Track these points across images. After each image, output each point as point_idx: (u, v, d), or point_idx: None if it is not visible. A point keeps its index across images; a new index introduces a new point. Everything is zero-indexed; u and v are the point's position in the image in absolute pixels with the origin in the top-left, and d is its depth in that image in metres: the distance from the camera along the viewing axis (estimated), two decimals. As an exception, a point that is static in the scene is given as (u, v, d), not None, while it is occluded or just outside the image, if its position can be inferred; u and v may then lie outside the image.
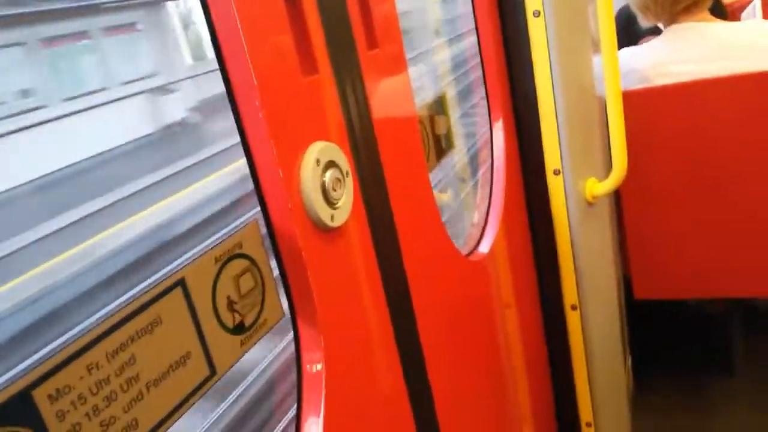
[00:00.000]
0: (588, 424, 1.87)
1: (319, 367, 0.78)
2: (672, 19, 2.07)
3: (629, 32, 2.66)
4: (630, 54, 2.11)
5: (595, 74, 1.69)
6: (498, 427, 1.49)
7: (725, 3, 2.69)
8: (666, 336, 2.62)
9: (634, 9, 2.19)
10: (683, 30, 2.04)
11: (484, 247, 1.44)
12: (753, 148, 1.87)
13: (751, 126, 1.85)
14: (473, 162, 1.85)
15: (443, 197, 1.81)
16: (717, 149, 1.90)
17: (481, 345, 1.38)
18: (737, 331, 2.30)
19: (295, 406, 0.78)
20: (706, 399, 2.25)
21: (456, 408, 1.17)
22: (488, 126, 1.61)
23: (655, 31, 2.23)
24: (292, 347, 0.82)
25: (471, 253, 1.42)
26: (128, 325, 0.60)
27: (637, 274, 2.08)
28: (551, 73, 1.56)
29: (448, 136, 1.37)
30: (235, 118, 0.73)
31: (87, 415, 0.57)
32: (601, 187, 1.65)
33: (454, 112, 1.63)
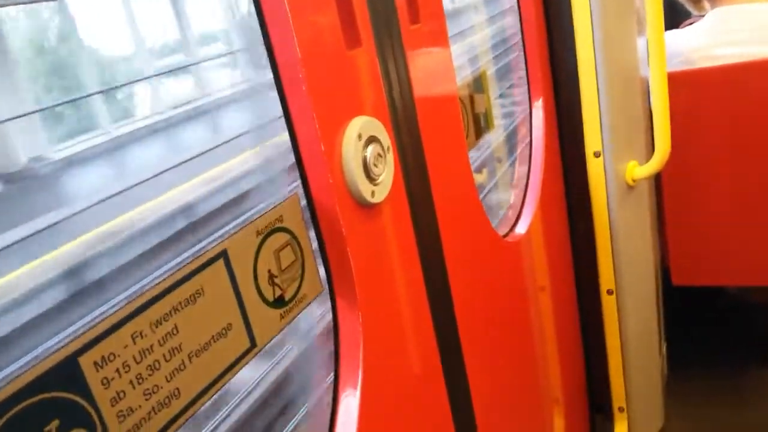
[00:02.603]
0: (620, 409, 1.85)
1: (356, 341, 0.78)
2: (717, 1, 2.01)
3: (671, 15, 2.59)
4: (673, 37, 2.05)
5: (639, 55, 1.65)
6: (530, 408, 1.48)
7: None
8: (703, 324, 2.57)
9: None
10: (727, 12, 1.97)
11: (521, 228, 1.42)
12: None
13: None
14: (510, 142, 1.83)
15: (478, 177, 1.79)
16: (761, 134, 1.85)
17: (516, 326, 1.37)
18: None
19: (333, 376, 0.79)
20: (743, 388, 2.21)
21: (489, 387, 1.17)
22: (527, 105, 1.59)
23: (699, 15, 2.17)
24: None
25: (508, 234, 1.40)
26: (172, 294, 0.61)
27: (676, 260, 2.04)
28: (594, 53, 1.52)
29: (488, 115, 1.35)
30: (278, 91, 0.73)
31: (131, 382, 0.57)
32: (642, 170, 1.62)
33: (493, 91, 1.60)
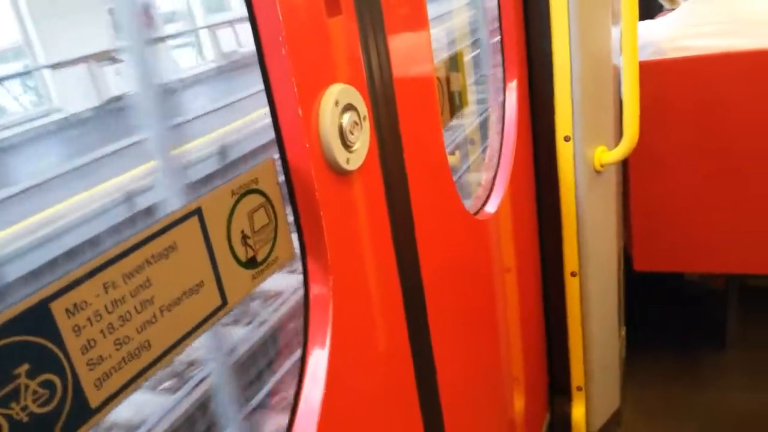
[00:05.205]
0: (579, 388, 1.90)
1: (326, 304, 0.79)
2: None
3: (646, 7, 2.64)
4: (645, 27, 2.09)
5: (613, 45, 1.68)
6: (491, 384, 1.51)
7: None
8: (662, 309, 2.64)
9: None
10: (700, 4, 2.02)
11: (491, 207, 1.44)
12: (763, 125, 1.86)
13: (761, 103, 1.84)
14: (483, 126, 1.85)
15: (450, 159, 1.81)
16: (727, 125, 1.90)
17: (481, 302, 1.40)
18: (733, 307, 2.33)
19: (301, 344, 0.80)
20: (698, 371, 2.28)
21: (452, 357, 1.19)
22: (501, 90, 1.61)
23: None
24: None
25: (477, 212, 1.43)
26: (145, 247, 0.61)
27: (639, 246, 2.10)
28: (569, 39, 1.54)
29: (462, 93, 1.37)
30: (258, 54, 0.73)
31: (102, 332, 0.58)
32: (610, 155, 1.65)
33: (469, 76, 1.62)
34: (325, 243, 0.78)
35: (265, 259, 0.77)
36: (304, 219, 0.79)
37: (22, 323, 0.51)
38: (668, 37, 1.99)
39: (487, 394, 1.48)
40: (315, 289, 0.79)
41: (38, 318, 0.53)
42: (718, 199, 1.96)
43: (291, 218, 0.81)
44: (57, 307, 0.54)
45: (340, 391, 0.81)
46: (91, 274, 0.57)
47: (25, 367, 0.51)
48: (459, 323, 1.25)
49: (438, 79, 1.30)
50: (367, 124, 0.84)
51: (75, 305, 0.55)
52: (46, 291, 0.53)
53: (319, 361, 0.77)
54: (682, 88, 1.91)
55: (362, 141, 0.83)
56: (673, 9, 2.14)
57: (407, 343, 0.98)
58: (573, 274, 1.77)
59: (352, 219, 0.85)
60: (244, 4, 0.73)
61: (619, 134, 1.64)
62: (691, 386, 2.21)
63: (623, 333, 2.19)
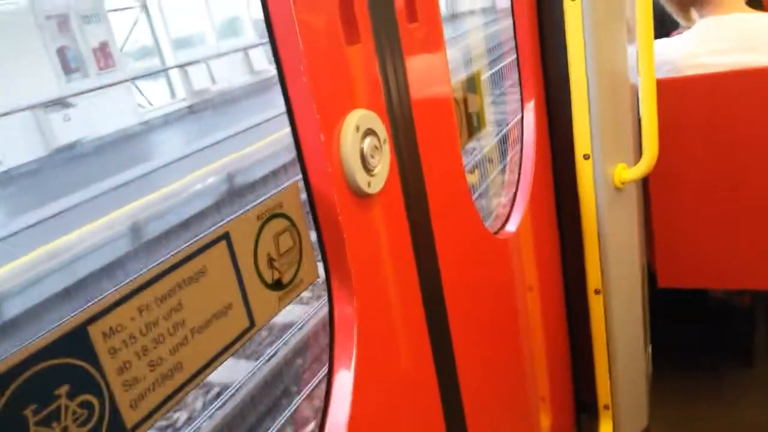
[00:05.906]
0: (606, 407, 1.89)
1: (350, 325, 0.81)
2: (704, 10, 2.05)
3: (661, 26, 2.64)
4: (661, 45, 2.09)
5: (629, 63, 1.69)
6: (517, 404, 1.51)
7: None
8: (687, 326, 2.61)
9: (668, 7, 2.18)
10: (715, 21, 2.02)
11: (512, 227, 1.45)
12: None
13: None
14: (502, 145, 1.86)
15: (470, 177, 1.83)
16: (746, 141, 1.89)
17: (504, 322, 1.41)
18: (760, 324, 2.30)
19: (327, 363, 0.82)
20: (724, 389, 2.25)
21: (477, 379, 1.20)
22: (519, 110, 1.63)
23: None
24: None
25: (498, 231, 1.44)
26: (177, 271, 0.63)
27: (662, 263, 2.08)
28: (585, 57, 1.56)
29: (480, 114, 1.39)
30: (280, 83, 0.76)
31: (137, 353, 0.60)
32: (630, 173, 1.66)
33: (486, 96, 1.64)
34: (349, 265, 0.80)
35: (290, 282, 0.79)
36: (328, 242, 0.81)
37: (63, 346, 0.54)
38: (684, 54, 2.00)
39: (512, 414, 1.48)
40: (340, 311, 0.81)
41: (77, 341, 0.55)
42: (740, 215, 1.95)
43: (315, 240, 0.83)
44: (94, 330, 0.56)
45: (366, 411, 0.82)
46: (127, 298, 0.59)
47: (65, 388, 0.54)
48: (483, 343, 1.26)
49: (455, 101, 1.32)
50: (387, 148, 0.86)
51: (111, 328, 0.58)
52: (84, 314, 0.56)
53: (344, 381, 0.79)
54: (699, 105, 1.91)
55: (383, 164, 0.85)
56: (690, 26, 2.15)
57: (431, 364, 0.99)
58: (597, 292, 1.77)
59: (375, 241, 0.87)
60: (267, 33, 0.76)
61: (639, 152, 1.65)
62: (717, 404, 2.18)
63: (649, 351, 2.18)
